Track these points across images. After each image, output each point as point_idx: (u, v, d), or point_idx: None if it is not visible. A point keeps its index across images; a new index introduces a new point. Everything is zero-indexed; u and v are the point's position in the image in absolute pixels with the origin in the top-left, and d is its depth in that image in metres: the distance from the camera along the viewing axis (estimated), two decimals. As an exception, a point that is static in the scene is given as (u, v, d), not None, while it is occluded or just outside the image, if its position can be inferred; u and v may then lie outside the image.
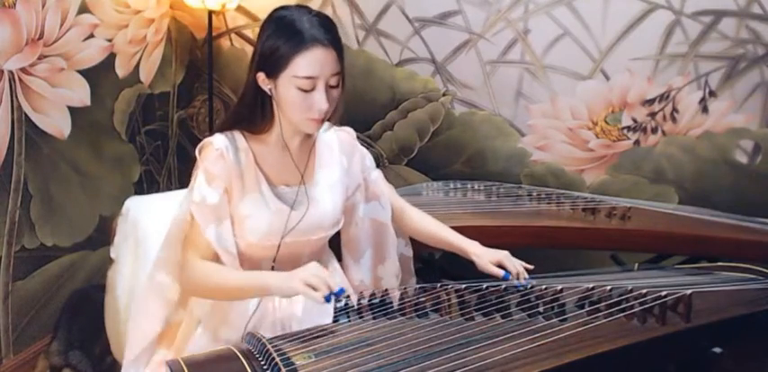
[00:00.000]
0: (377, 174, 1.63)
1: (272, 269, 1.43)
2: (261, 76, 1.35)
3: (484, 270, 1.51)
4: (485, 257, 1.51)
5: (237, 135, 1.41)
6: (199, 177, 1.38)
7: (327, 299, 1.21)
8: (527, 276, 1.47)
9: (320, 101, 1.32)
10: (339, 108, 1.40)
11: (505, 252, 1.52)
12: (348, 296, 1.28)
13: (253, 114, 1.39)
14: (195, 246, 1.37)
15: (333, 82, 1.33)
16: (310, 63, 1.29)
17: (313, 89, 1.31)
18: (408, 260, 1.71)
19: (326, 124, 1.49)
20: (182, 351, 1.41)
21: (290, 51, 1.30)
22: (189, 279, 1.38)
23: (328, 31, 1.32)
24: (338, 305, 1.32)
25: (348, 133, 1.57)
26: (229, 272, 1.36)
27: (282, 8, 1.37)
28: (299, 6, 1.38)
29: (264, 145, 1.43)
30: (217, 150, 1.38)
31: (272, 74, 1.33)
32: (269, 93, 1.36)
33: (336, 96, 1.35)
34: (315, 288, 1.22)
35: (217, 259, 1.38)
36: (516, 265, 1.49)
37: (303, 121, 1.35)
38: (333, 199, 1.49)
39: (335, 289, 1.22)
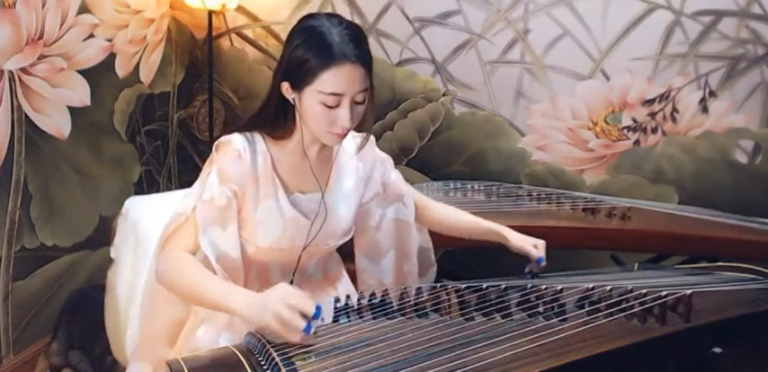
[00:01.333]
0: (396, 175, 1.61)
1: (291, 283, 1.41)
2: (285, 86, 1.31)
3: (520, 249, 1.55)
4: (522, 239, 1.56)
5: (257, 137, 1.38)
6: (212, 174, 1.34)
7: (307, 330, 1.12)
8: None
9: (344, 118, 1.28)
10: (369, 119, 1.37)
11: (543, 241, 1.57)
12: (323, 318, 1.18)
13: (274, 121, 1.36)
14: (183, 237, 1.31)
15: (359, 98, 1.29)
16: (337, 80, 1.26)
17: (338, 105, 1.28)
18: (429, 251, 1.72)
19: (358, 138, 1.49)
20: (183, 351, 1.41)
21: (318, 66, 1.25)
22: (163, 264, 1.31)
23: (358, 47, 1.27)
24: (338, 305, 1.31)
25: (366, 139, 1.54)
26: (205, 276, 1.26)
27: (313, 17, 1.32)
28: (329, 15, 1.32)
29: (283, 149, 1.39)
30: (235, 151, 1.34)
31: (298, 86, 1.29)
32: (292, 102, 1.33)
33: (361, 112, 1.32)
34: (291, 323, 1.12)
35: (201, 258, 1.33)
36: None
37: (324, 135, 1.33)
38: (348, 207, 1.47)
39: (311, 313, 1.12)
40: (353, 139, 1.51)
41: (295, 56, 1.28)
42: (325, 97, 1.27)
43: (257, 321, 1.16)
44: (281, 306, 1.12)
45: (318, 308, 1.13)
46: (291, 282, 1.41)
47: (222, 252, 1.34)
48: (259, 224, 1.37)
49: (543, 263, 1.51)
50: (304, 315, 1.13)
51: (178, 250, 1.31)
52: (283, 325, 1.12)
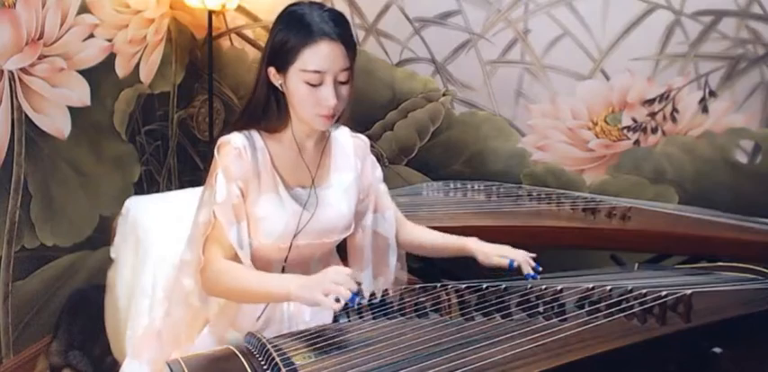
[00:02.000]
0: (383, 188, 1.61)
1: (283, 270, 1.42)
2: (272, 71, 1.34)
3: (488, 264, 1.48)
4: (488, 252, 1.49)
5: (255, 134, 1.40)
6: (219, 176, 1.35)
7: (351, 301, 1.17)
8: (533, 263, 1.46)
9: (328, 97, 1.30)
10: (347, 107, 1.39)
11: (507, 246, 1.50)
12: (359, 302, 1.22)
13: (266, 113, 1.38)
14: (219, 244, 1.35)
15: (342, 77, 1.32)
16: (318, 56, 1.28)
17: (321, 84, 1.30)
18: (401, 283, 1.67)
19: (345, 130, 1.49)
20: (185, 351, 1.40)
21: (299, 44, 1.29)
22: (210, 277, 1.35)
23: (338, 26, 1.31)
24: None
25: (363, 140, 1.56)
26: (253, 274, 1.33)
27: (295, 4, 1.36)
28: (311, 2, 1.36)
29: (280, 145, 1.41)
30: (235, 149, 1.36)
31: (282, 67, 1.32)
32: (280, 88, 1.35)
33: (346, 93, 1.34)
34: (336, 297, 1.17)
35: (237, 259, 1.36)
36: (520, 254, 1.47)
37: (313, 117, 1.34)
38: (347, 202, 1.48)
39: (348, 296, 1.17)
40: (350, 138, 1.52)
41: (277, 39, 1.32)
42: (308, 75, 1.29)
43: (308, 299, 1.20)
44: (328, 283, 1.18)
45: (356, 293, 1.18)
46: (283, 270, 1.42)
47: (242, 244, 1.36)
48: (261, 219, 1.38)
49: (516, 264, 1.45)
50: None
51: (220, 260, 1.34)
52: (327, 296, 1.17)
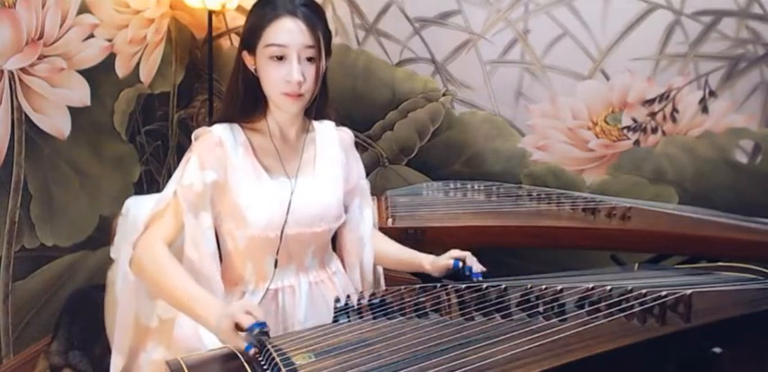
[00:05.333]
0: (364, 184, 1.61)
1: (275, 264, 1.42)
2: (245, 56, 1.38)
3: (437, 269, 1.46)
4: (439, 260, 1.47)
5: (236, 128, 1.42)
6: (192, 161, 1.38)
7: (247, 348, 1.14)
8: (482, 268, 1.44)
9: (292, 71, 1.32)
10: (326, 100, 1.42)
11: (456, 250, 1.49)
12: (265, 332, 1.16)
13: (244, 102, 1.40)
14: (162, 224, 1.36)
15: (307, 54, 1.34)
16: (279, 31, 1.32)
17: (285, 58, 1.33)
18: (380, 275, 1.66)
19: (330, 123, 1.51)
20: (176, 351, 1.40)
21: (263, 22, 1.33)
22: (139, 256, 1.35)
23: (304, 5, 1.34)
24: (338, 304, 1.31)
25: (347, 133, 1.57)
26: (179, 279, 1.29)
27: None
28: None
29: (262, 135, 1.43)
30: (216, 137, 1.38)
31: (251, 48, 1.36)
32: (254, 74, 1.38)
33: (313, 73, 1.35)
34: (242, 327, 1.15)
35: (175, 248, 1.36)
36: (467, 254, 1.46)
37: (281, 98, 1.36)
38: (334, 191, 1.48)
39: (245, 325, 1.15)
40: (336, 131, 1.53)
41: (247, 23, 1.37)
42: (271, 49, 1.33)
43: (216, 335, 1.20)
44: (227, 322, 1.16)
45: (257, 325, 1.14)
46: (276, 263, 1.42)
47: (195, 238, 1.37)
48: (246, 209, 1.38)
49: (461, 265, 1.43)
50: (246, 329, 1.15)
51: (158, 239, 1.35)
52: (229, 338, 1.17)
